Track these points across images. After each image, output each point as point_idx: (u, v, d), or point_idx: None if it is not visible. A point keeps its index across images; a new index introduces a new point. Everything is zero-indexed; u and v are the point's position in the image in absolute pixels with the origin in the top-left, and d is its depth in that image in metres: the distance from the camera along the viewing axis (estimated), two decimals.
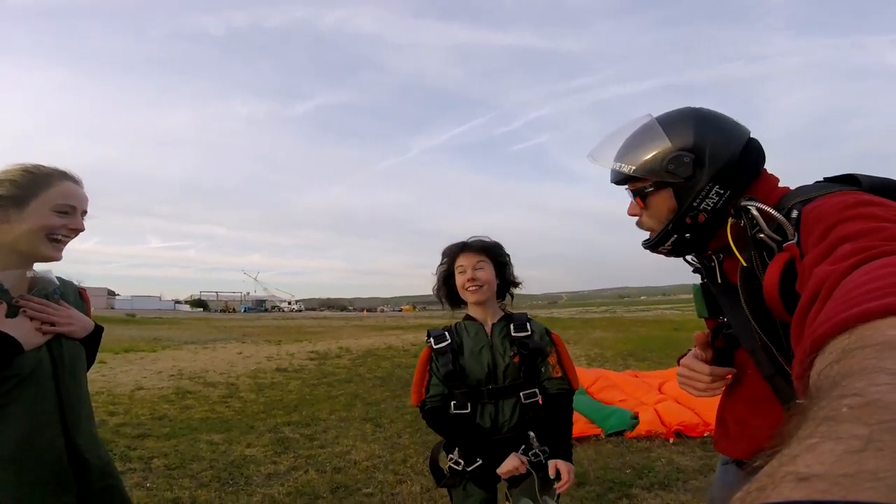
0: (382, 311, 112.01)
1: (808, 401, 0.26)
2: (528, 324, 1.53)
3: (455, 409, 1.47)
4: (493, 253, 1.55)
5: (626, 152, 0.97)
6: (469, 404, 1.46)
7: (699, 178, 0.89)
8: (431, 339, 1.53)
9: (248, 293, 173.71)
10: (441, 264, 1.61)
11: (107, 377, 6.47)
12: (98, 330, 1.22)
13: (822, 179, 0.82)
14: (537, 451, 1.41)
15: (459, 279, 1.53)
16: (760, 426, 0.90)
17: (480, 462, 1.43)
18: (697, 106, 0.96)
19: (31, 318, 1.05)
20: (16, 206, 1.03)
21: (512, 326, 1.51)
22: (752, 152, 0.90)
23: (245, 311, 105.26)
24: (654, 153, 0.92)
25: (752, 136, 0.92)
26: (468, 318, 1.57)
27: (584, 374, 5.20)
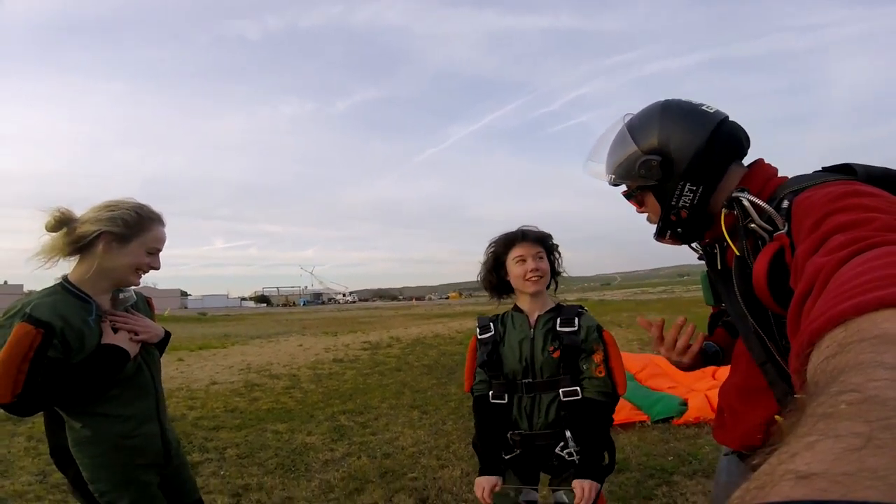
0: (430, 298, 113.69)
1: (806, 396, 0.26)
2: (576, 318, 1.47)
3: (493, 399, 1.50)
4: (548, 244, 1.54)
5: (608, 160, 1.02)
6: (506, 395, 1.48)
7: (671, 179, 0.92)
8: (478, 329, 1.57)
9: (306, 287, 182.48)
10: (491, 251, 1.58)
11: (185, 374, 7.13)
12: (167, 335, 1.44)
13: (820, 169, 0.81)
14: (572, 450, 1.40)
15: (517, 269, 1.49)
16: (751, 416, 0.92)
17: (518, 452, 1.47)
18: (666, 99, 0.97)
19: (120, 329, 1.26)
20: (121, 241, 1.23)
21: (559, 320, 1.48)
22: (721, 139, 0.90)
23: (303, 304, 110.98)
24: (625, 160, 0.97)
25: (729, 119, 0.93)
26: (516, 308, 1.56)
27: (633, 360, 5.04)
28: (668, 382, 4.42)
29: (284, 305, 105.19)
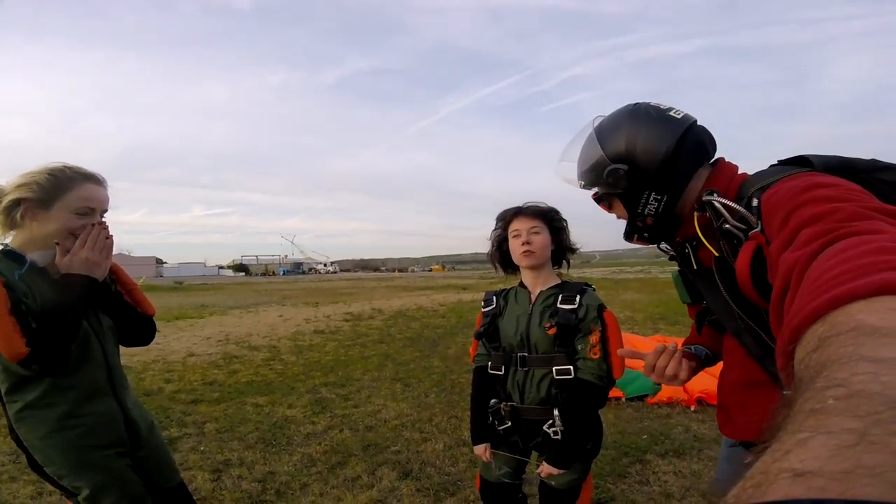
0: (413, 271, 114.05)
1: (793, 392, 0.26)
2: (578, 296, 1.47)
3: (491, 370, 1.56)
4: (548, 218, 1.54)
5: (577, 166, 1.04)
6: (503, 367, 1.52)
7: (637, 188, 0.94)
8: (483, 303, 1.62)
9: (286, 256, 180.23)
10: (495, 229, 1.61)
11: (161, 345, 6.94)
12: (112, 294, 1.30)
13: (776, 162, 0.83)
14: (558, 429, 1.42)
15: (513, 244, 1.52)
16: (762, 408, 0.93)
17: (509, 425, 1.49)
18: (635, 103, 0.98)
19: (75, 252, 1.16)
20: (42, 207, 1.15)
21: (560, 297, 1.48)
22: (688, 146, 0.91)
23: (283, 273, 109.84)
24: (594, 166, 0.98)
25: (697, 124, 0.94)
26: (521, 284, 1.58)
27: None
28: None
29: (264, 275, 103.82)
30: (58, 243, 1.15)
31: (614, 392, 3.79)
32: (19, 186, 1.15)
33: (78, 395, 1.18)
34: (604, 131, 0.97)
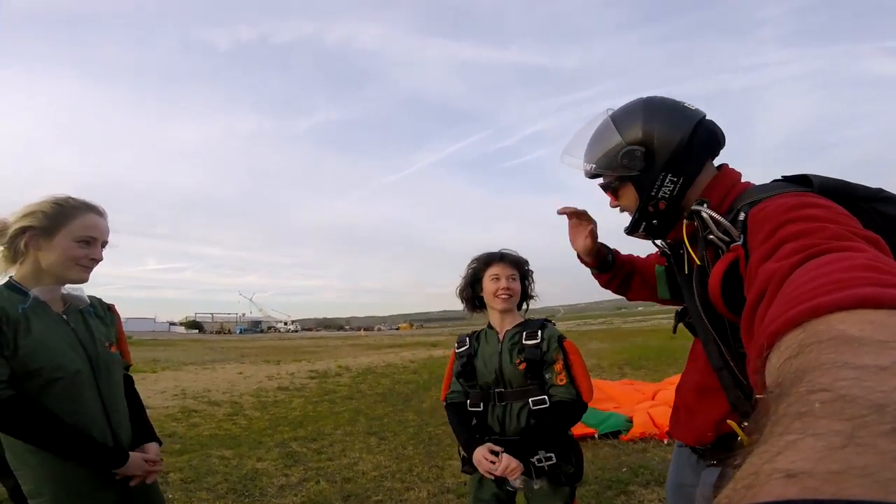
0: (379, 329, 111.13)
1: (772, 396, 0.26)
2: (539, 331, 1.57)
3: (470, 407, 1.63)
4: (523, 269, 1.69)
5: (589, 151, 1.03)
6: (482, 403, 1.60)
7: (652, 170, 0.94)
8: (456, 344, 1.71)
9: (244, 314, 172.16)
10: (470, 267, 1.71)
11: None
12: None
13: (780, 178, 0.83)
14: (541, 457, 1.47)
15: (491, 286, 1.63)
16: (705, 415, 0.96)
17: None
18: (649, 95, 1.01)
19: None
20: (45, 235, 1.19)
21: (524, 333, 1.58)
22: (701, 135, 0.93)
23: (240, 332, 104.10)
24: (609, 150, 0.98)
25: (707, 118, 0.95)
26: (490, 325, 1.69)
27: None
28: (613, 404, 4.71)
29: (219, 333, 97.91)
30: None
31: (588, 430, 3.86)
32: (25, 216, 1.18)
33: (73, 424, 1.17)
34: (620, 119, 0.97)
